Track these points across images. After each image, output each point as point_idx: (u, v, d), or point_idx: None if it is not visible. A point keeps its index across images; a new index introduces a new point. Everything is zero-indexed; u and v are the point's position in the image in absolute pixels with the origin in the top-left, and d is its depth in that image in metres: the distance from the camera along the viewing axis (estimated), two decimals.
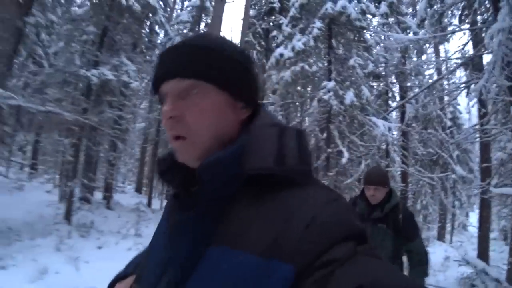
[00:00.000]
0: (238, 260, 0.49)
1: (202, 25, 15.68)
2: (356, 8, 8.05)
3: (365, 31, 8.54)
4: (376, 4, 9.78)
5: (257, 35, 14.39)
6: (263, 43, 14.20)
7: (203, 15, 15.56)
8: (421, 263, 2.42)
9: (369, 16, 8.99)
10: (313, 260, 0.46)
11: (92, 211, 9.67)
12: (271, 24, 14.57)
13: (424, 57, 11.95)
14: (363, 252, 0.48)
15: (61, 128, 7.38)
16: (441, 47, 12.65)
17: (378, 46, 9.93)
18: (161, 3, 13.78)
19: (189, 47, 0.59)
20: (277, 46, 9.64)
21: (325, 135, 8.03)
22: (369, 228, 2.31)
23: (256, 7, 15.33)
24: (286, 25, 9.07)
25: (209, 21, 15.29)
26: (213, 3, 11.06)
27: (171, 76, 0.58)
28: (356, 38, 8.71)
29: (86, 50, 9.32)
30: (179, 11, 17.71)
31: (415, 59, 11.06)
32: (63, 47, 9.68)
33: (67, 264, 5.13)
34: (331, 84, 7.59)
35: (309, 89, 9.99)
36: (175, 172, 0.62)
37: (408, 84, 10.95)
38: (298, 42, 7.88)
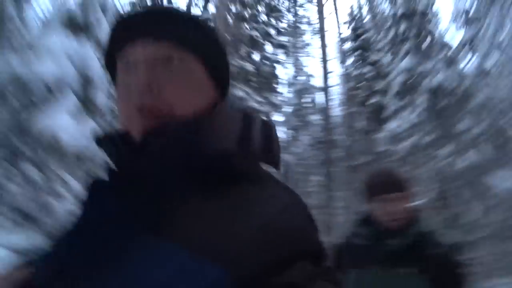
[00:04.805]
0: (170, 255, 0.40)
1: None
2: None
3: None
4: None
5: None
6: None
7: None
8: None
9: None
10: (259, 270, 0.38)
11: None
12: None
13: None
14: (322, 275, 0.41)
15: None
16: None
17: None
18: None
19: (164, 11, 0.50)
20: None
21: None
22: (381, 277, 1.24)
23: None
24: None
25: None
26: None
27: (142, 36, 0.46)
28: None
29: None
30: None
31: None
32: None
33: None
34: None
35: None
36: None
37: None
38: None
